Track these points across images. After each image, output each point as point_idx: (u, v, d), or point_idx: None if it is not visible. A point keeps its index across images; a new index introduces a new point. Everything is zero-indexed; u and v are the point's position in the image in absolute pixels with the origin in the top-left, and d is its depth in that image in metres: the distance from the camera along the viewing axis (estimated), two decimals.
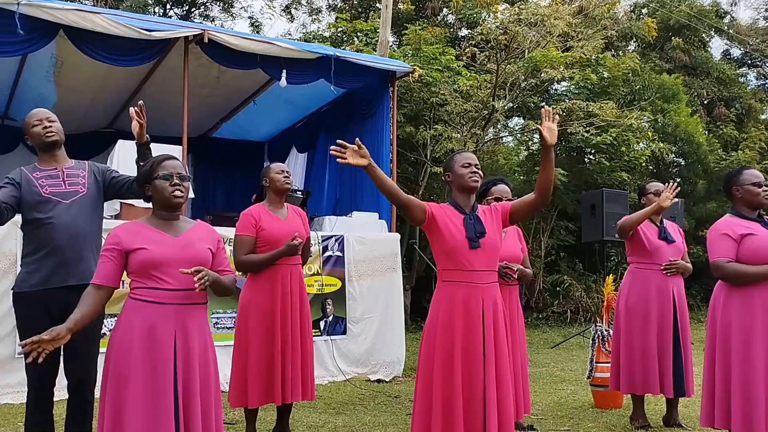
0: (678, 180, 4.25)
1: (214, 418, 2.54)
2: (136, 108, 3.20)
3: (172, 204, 2.58)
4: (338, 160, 2.77)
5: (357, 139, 2.83)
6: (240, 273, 3.82)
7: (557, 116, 2.99)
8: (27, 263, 3.09)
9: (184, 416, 2.43)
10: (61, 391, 3.29)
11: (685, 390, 4.16)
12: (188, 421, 2.43)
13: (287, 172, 3.93)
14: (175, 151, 6.08)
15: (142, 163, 3.17)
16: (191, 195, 6.15)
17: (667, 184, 4.20)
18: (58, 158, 3.17)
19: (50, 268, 3.03)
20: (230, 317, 5.65)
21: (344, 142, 2.78)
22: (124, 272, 2.57)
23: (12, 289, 3.14)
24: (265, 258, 3.74)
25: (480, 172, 3.06)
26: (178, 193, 2.58)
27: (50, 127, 3.12)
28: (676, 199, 4.18)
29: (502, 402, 2.89)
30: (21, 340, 3.10)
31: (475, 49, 11.17)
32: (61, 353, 3.13)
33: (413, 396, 3.03)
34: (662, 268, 4.23)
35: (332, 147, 2.78)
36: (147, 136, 3.25)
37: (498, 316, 2.97)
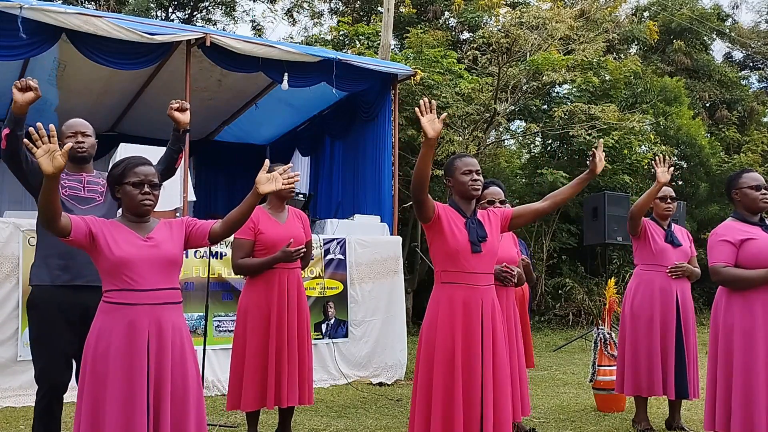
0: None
1: (193, 417, 2.54)
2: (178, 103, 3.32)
3: (140, 212, 2.62)
4: (416, 109, 2.76)
5: (445, 114, 2.84)
6: (240, 276, 3.80)
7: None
8: (37, 258, 3.16)
9: (155, 416, 2.45)
10: (69, 392, 3.30)
11: (687, 392, 4.16)
12: (158, 421, 2.45)
13: None
14: None
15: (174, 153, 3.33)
16: (192, 198, 6.23)
17: (654, 160, 4.17)
18: (85, 168, 3.30)
19: (58, 267, 3.08)
20: (232, 320, 5.64)
21: (434, 104, 2.78)
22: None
23: (30, 284, 3.19)
24: (260, 262, 3.74)
25: (481, 178, 3.07)
26: (147, 201, 2.60)
27: (83, 143, 3.26)
28: (667, 169, 4.14)
29: (499, 404, 2.90)
30: (33, 338, 3.11)
31: (476, 52, 11.18)
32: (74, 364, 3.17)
33: (411, 396, 3.03)
34: (667, 271, 4.23)
35: (424, 100, 2.76)
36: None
37: (496, 318, 2.99)
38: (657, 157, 4.14)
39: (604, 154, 3.17)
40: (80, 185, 3.20)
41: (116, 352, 2.44)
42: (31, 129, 2.30)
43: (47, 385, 3.09)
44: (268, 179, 2.68)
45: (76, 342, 3.10)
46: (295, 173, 2.81)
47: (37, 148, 2.27)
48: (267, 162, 2.73)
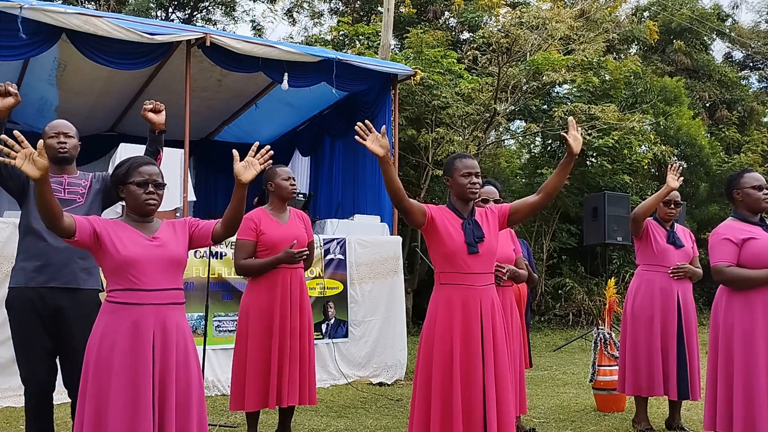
0: (680, 178, 4.22)
1: (195, 418, 2.54)
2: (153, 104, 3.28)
3: (145, 212, 2.61)
4: (356, 137, 2.78)
5: (383, 127, 2.83)
6: (241, 277, 3.80)
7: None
8: (16, 260, 3.16)
9: (160, 416, 2.45)
10: (62, 393, 3.30)
11: (689, 393, 4.16)
12: (163, 421, 2.45)
13: (293, 178, 3.93)
14: (177, 154, 6.09)
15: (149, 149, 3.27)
16: (192, 198, 6.22)
17: (670, 165, 4.20)
18: (66, 169, 3.25)
19: (33, 269, 3.07)
20: (232, 320, 5.64)
21: (371, 125, 2.79)
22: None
23: (9, 286, 3.19)
24: (263, 263, 3.74)
25: (480, 180, 3.07)
26: (151, 201, 2.60)
27: (65, 143, 3.20)
28: (681, 177, 4.18)
29: (503, 403, 2.90)
30: (14, 340, 3.12)
31: (476, 52, 11.18)
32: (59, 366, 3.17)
33: (411, 397, 3.03)
34: (669, 272, 4.23)
35: (359, 124, 2.78)
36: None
37: (496, 317, 2.99)
38: (673, 166, 4.15)
39: (579, 131, 3.07)
40: (60, 187, 3.16)
41: (121, 352, 2.44)
42: (0, 146, 2.27)
43: (32, 385, 3.09)
44: (245, 167, 2.66)
45: (53, 343, 3.11)
46: (266, 147, 2.76)
47: (13, 159, 2.23)
48: (235, 152, 2.69)
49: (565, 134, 3.06)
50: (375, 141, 2.77)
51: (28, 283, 3.06)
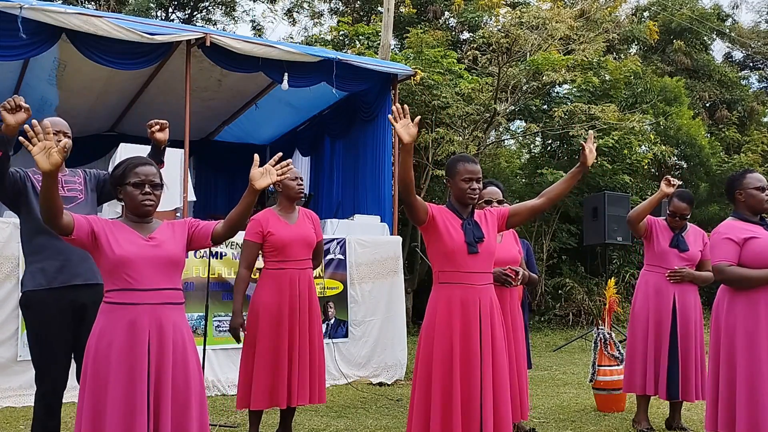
0: (680, 184, 4.23)
1: (195, 416, 2.53)
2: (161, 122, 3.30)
3: (142, 213, 2.61)
4: (390, 116, 2.78)
5: (418, 118, 2.83)
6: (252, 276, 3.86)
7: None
8: (30, 262, 3.13)
9: (155, 415, 2.45)
10: (70, 392, 3.29)
11: (678, 393, 4.17)
12: (158, 420, 2.45)
13: (300, 179, 3.94)
14: (177, 154, 6.09)
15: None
16: (192, 198, 6.22)
17: (664, 179, 4.22)
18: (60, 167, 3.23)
19: (54, 269, 3.06)
20: None
21: (407, 109, 2.79)
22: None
23: (21, 291, 3.17)
24: (237, 297, 3.77)
25: (480, 185, 3.07)
26: (147, 201, 2.59)
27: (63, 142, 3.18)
28: (678, 182, 4.18)
29: (499, 403, 2.91)
30: (32, 341, 3.11)
31: (476, 52, 11.18)
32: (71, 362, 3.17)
33: (410, 396, 3.04)
34: (666, 275, 4.24)
35: (396, 105, 2.79)
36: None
37: (494, 316, 3.00)
38: (670, 179, 4.15)
39: (594, 145, 3.18)
40: (60, 186, 3.17)
41: (117, 352, 2.44)
42: (26, 126, 2.28)
43: (47, 386, 3.09)
44: (262, 174, 2.65)
45: (73, 340, 3.11)
46: (287, 161, 2.77)
47: (33, 145, 2.26)
48: (256, 157, 2.70)
49: (584, 142, 3.14)
50: (405, 127, 2.75)
51: (51, 283, 3.05)
